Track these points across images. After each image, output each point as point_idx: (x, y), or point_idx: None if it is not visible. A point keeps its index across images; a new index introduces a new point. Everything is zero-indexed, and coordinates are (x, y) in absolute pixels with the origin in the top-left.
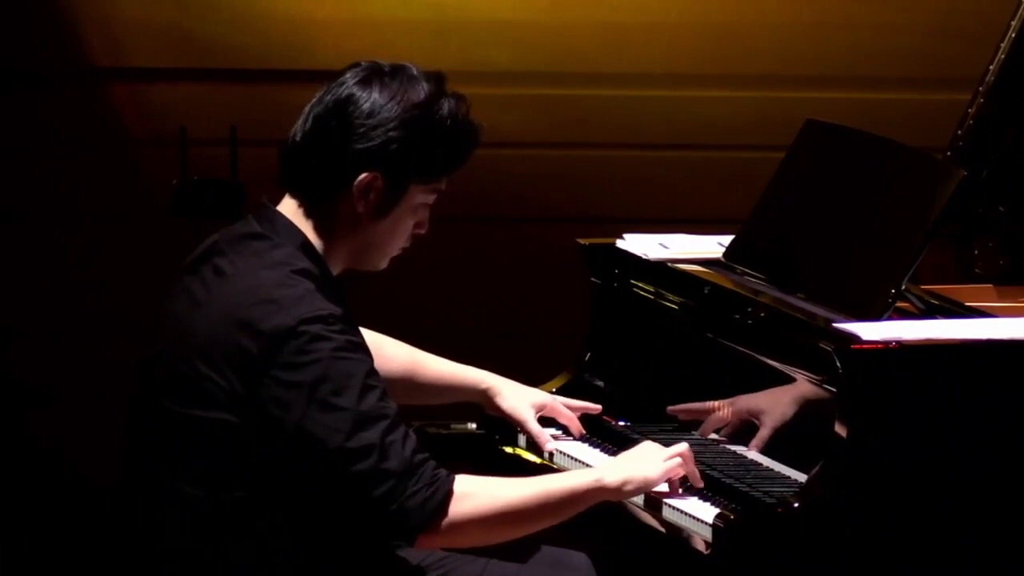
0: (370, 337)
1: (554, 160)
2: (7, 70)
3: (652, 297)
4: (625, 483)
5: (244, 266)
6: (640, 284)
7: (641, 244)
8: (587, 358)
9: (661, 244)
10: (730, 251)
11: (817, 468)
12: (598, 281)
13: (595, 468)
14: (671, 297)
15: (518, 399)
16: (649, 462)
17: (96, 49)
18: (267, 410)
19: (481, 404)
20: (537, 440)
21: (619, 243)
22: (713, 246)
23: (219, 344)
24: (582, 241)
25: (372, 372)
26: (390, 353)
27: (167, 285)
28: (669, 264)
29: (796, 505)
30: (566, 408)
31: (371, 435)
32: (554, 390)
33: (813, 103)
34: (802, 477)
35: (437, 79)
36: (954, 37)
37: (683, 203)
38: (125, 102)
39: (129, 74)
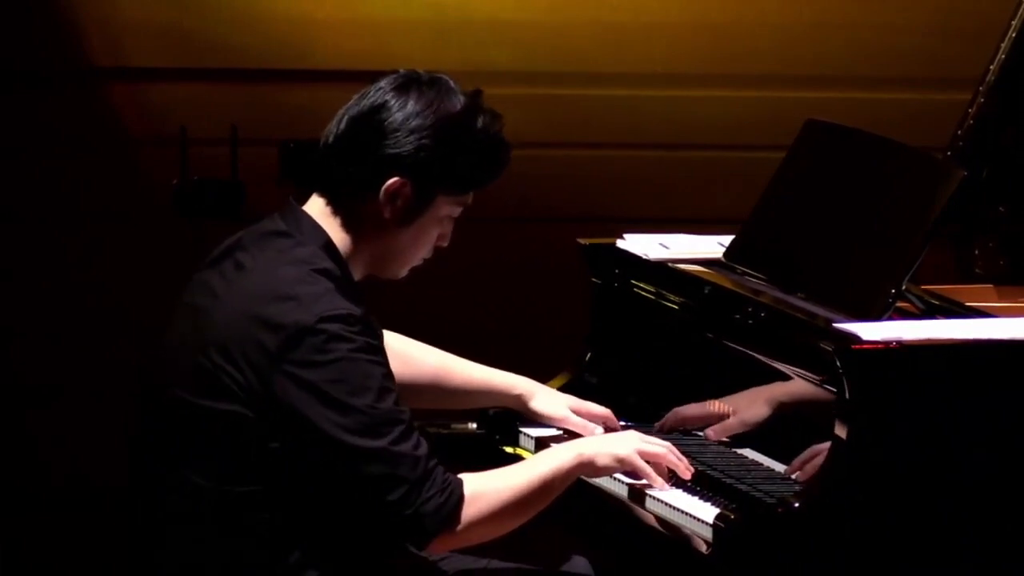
0: (398, 342)
1: (554, 160)
2: (7, 70)
3: (652, 297)
4: (597, 455)
5: (264, 262)
6: (640, 284)
7: (641, 244)
8: (587, 358)
9: (661, 244)
10: (730, 251)
11: (817, 468)
12: (598, 281)
13: (573, 443)
14: (671, 297)
15: (553, 401)
16: (624, 441)
17: (96, 49)
18: (281, 406)
19: (515, 408)
20: (582, 433)
21: (619, 243)
22: (713, 246)
23: (236, 338)
24: (582, 241)
25: (389, 375)
26: (419, 357)
27: (179, 282)
28: (669, 264)
29: (796, 505)
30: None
31: (386, 438)
32: (555, 389)
33: (813, 103)
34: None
35: (474, 94)
36: (954, 37)
37: (683, 203)
38: (125, 102)
39: (129, 74)
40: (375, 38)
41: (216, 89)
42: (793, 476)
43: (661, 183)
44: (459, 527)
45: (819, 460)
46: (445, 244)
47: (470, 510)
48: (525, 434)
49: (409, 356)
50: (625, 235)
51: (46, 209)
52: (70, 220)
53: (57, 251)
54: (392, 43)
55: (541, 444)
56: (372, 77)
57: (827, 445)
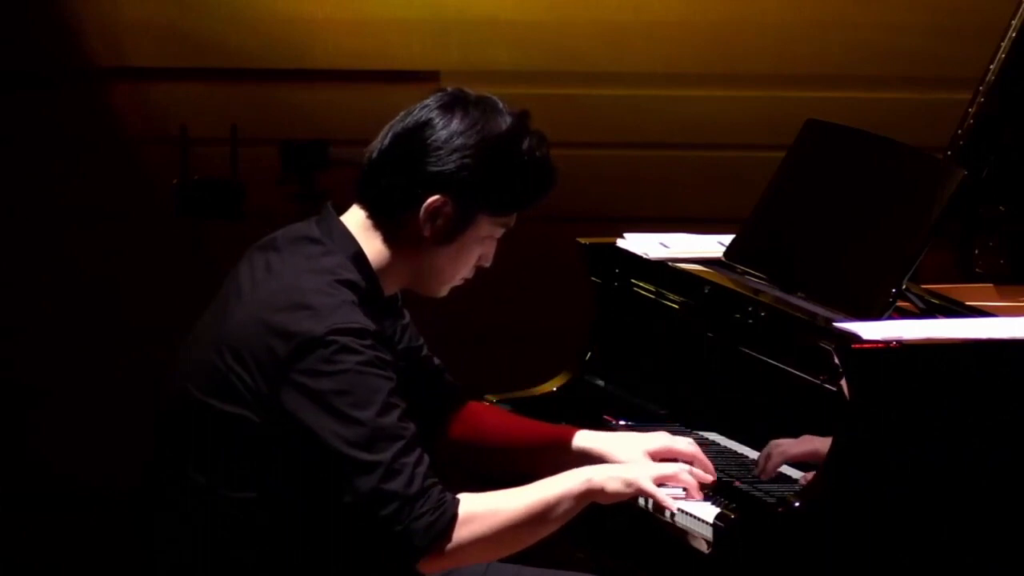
0: (482, 409)
1: (554, 160)
2: (7, 70)
3: (652, 296)
4: (608, 480)
5: (290, 267)
6: (640, 283)
7: (641, 243)
8: (587, 357)
9: (661, 243)
10: (731, 250)
11: (818, 468)
12: (598, 280)
13: (583, 469)
14: (671, 296)
15: (629, 451)
16: (637, 466)
17: (96, 49)
18: (285, 413)
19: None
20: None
21: (619, 242)
22: (713, 245)
23: (250, 342)
24: (582, 240)
25: (395, 391)
26: (488, 419)
27: (179, 282)
28: (669, 263)
29: (796, 505)
30: (683, 447)
31: (384, 453)
32: (555, 388)
33: (813, 103)
34: (797, 474)
35: (521, 115)
36: (954, 37)
37: (683, 202)
38: (125, 102)
39: (129, 74)
40: (375, 38)
41: (216, 89)
42: (763, 476)
43: (661, 183)
44: (450, 547)
45: (781, 455)
46: (487, 264)
47: (463, 531)
48: None
49: (479, 420)
50: (625, 235)
51: (46, 209)
52: (70, 220)
53: (57, 251)
54: (392, 43)
55: None
56: (372, 77)
57: (784, 442)
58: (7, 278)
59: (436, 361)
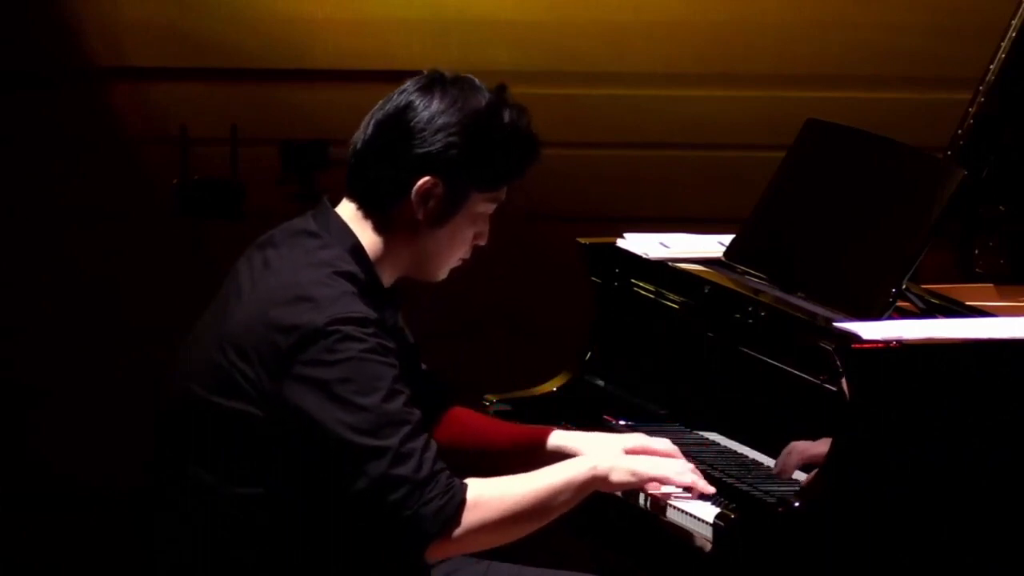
0: (463, 414)
1: (554, 160)
2: (7, 70)
3: (652, 296)
4: (612, 469)
5: (289, 262)
6: (640, 283)
7: (641, 243)
8: (587, 357)
9: (661, 243)
10: (731, 250)
11: (817, 468)
12: (598, 280)
13: (587, 456)
14: (671, 296)
15: (608, 450)
16: (642, 459)
17: (96, 49)
18: (290, 406)
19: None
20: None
21: (619, 242)
22: (713, 245)
23: (252, 338)
24: (582, 240)
25: (399, 378)
26: (466, 422)
27: (179, 282)
28: (669, 263)
29: (796, 505)
30: (660, 447)
31: (392, 438)
32: (555, 388)
33: (813, 103)
34: (802, 477)
35: (499, 89)
36: (954, 37)
37: (683, 202)
38: (125, 102)
39: (129, 74)
40: (375, 38)
41: (216, 89)
42: (782, 475)
43: (661, 183)
44: (458, 532)
45: (800, 453)
46: (483, 242)
47: (470, 516)
48: None
49: (461, 425)
50: (625, 235)
51: (46, 209)
52: (70, 220)
53: (57, 251)
54: (392, 43)
55: None
56: (372, 77)
57: (803, 443)
58: (7, 278)
59: (423, 366)
